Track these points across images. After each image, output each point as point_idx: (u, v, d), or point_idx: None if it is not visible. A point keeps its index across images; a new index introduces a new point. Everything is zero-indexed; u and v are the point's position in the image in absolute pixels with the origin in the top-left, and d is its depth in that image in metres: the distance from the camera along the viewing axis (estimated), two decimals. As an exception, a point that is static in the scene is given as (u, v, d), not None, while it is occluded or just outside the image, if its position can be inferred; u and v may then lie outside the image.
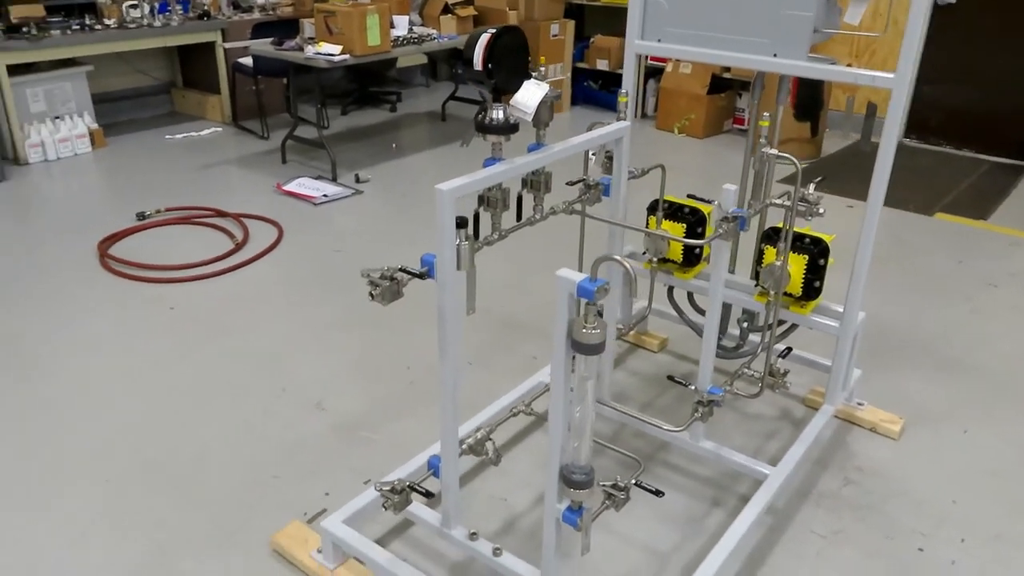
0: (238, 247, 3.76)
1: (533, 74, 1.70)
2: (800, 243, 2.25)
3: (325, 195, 4.41)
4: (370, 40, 4.50)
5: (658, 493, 1.70)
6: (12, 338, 2.95)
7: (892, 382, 2.74)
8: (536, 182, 1.83)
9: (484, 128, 1.64)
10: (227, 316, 3.15)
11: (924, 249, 3.92)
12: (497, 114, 1.64)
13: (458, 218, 1.59)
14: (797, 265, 2.24)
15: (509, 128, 1.65)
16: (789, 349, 2.36)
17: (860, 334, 2.37)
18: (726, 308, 2.60)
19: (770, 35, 2.15)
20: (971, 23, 5.31)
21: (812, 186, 2.03)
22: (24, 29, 4.74)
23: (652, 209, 2.45)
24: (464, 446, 1.88)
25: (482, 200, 1.74)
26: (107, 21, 5.17)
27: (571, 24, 6.39)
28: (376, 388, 2.68)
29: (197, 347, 2.92)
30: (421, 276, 1.54)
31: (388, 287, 1.51)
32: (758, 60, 2.18)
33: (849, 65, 5.84)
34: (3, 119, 4.78)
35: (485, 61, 1.55)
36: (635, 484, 1.69)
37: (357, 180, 4.70)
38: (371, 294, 1.51)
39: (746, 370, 2.21)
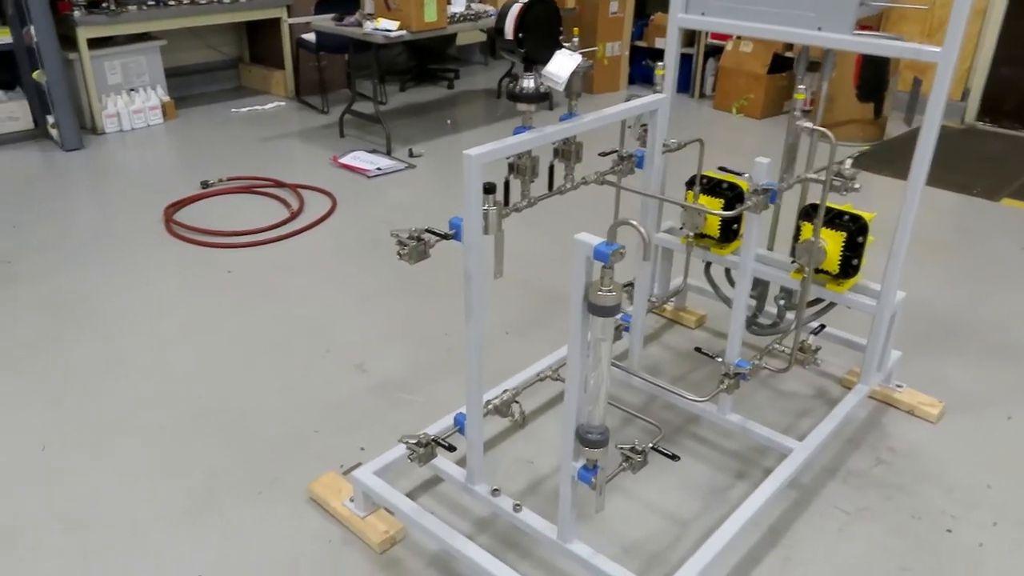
0: (293, 216, 3.90)
1: (565, 45, 1.73)
2: (839, 220, 2.23)
3: (379, 168, 4.52)
4: (427, 16, 4.57)
5: (674, 457, 1.73)
6: (84, 295, 3.16)
7: (937, 367, 2.69)
8: (567, 152, 1.87)
9: (514, 96, 1.69)
10: (280, 280, 3.29)
11: (986, 235, 3.79)
12: (527, 83, 1.68)
13: (486, 184, 1.65)
14: (834, 242, 2.22)
15: (539, 97, 1.69)
16: (822, 326, 2.35)
17: (899, 314, 2.34)
18: (764, 286, 2.60)
19: (815, 8, 2.12)
20: (1054, 1, 5.05)
21: (849, 161, 2.01)
22: (104, 4, 4.97)
23: (691, 184, 2.45)
24: (490, 406, 1.95)
25: (512, 168, 1.78)
26: (180, -3, 5.38)
27: (631, 2, 6.32)
28: (416, 352, 2.77)
29: (251, 309, 3.06)
30: (446, 237, 1.61)
31: (415, 247, 1.58)
32: (802, 34, 2.15)
33: (920, 44, 5.64)
34: (83, 90, 5.04)
35: (516, 31, 1.59)
36: (652, 448, 1.73)
37: (411, 155, 4.79)
38: (399, 253, 1.58)
39: (777, 346, 2.21)
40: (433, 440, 1.83)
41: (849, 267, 2.25)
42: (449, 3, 4.92)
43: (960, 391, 2.56)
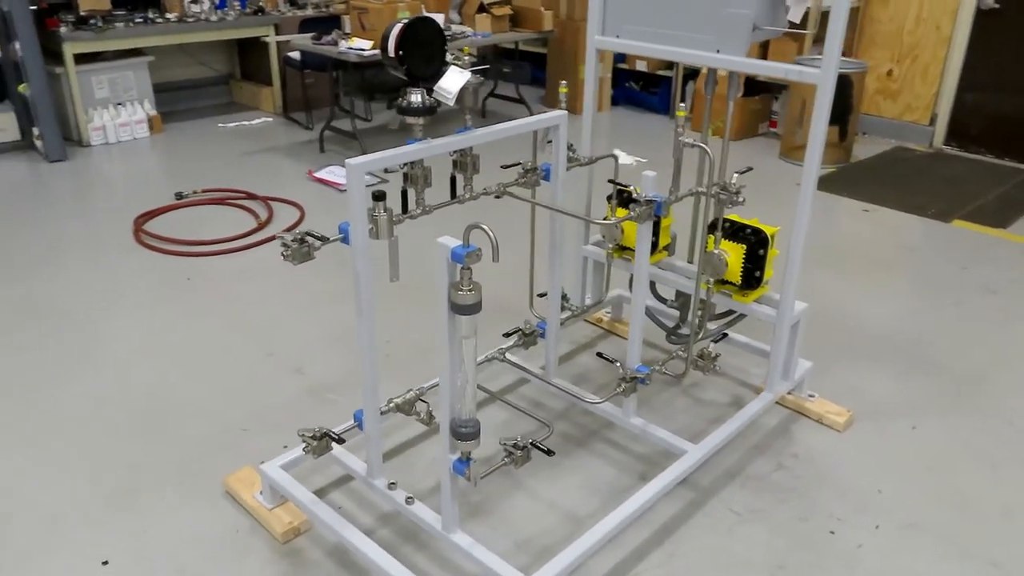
0: (260, 227, 4.03)
1: (456, 63, 1.85)
2: (741, 233, 2.33)
3: (348, 182, 4.65)
4: (399, 36, 4.72)
5: (549, 452, 1.82)
6: (48, 299, 3.30)
7: (855, 379, 2.76)
8: (463, 163, 1.98)
9: (402, 111, 1.80)
10: (236, 288, 3.41)
11: (930, 254, 3.86)
12: (415, 98, 1.80)
13: (376, 191, 1.77)
14: (736, 254, 2.32)
15: (425, 111, 1.80)
16: (725, 334, 2.44)
17: (802, 323, 2.42)
18: (687, 297, 2.68)
19: (714, 32, 2.23)
20: (1017, 29, 5.13)
21: (736, 176, 2.11)
22: (91, 21, 5.17)
23: (610, 198, 2.55)
24: (392, 404, 2.05)
25: (406, 177, 1.90)
26: (168, 15, 5.58)
27: (610, 24, 6.46)
28: (354, 358, 2.87)
29: (203, 314, 3.19)
30: (325, 240, 1.72)
31: (298, 249, 1.70)
32: (703, 56, 2.27)
33: (889, 72, 5.74)
34: (69, 104, 5.23)
35: (398, 48, 1.71)
36: (532, 444, 1.82)
37: (385, 170, 4.92)
38: (283, 255, 1.69)
39: (680, 352, 2.30)
40: (326, 433, 1.93)
41: (752, 278, 2.34)
42: (423, 24, 5.08)
43: (872, 402, 2.63)
